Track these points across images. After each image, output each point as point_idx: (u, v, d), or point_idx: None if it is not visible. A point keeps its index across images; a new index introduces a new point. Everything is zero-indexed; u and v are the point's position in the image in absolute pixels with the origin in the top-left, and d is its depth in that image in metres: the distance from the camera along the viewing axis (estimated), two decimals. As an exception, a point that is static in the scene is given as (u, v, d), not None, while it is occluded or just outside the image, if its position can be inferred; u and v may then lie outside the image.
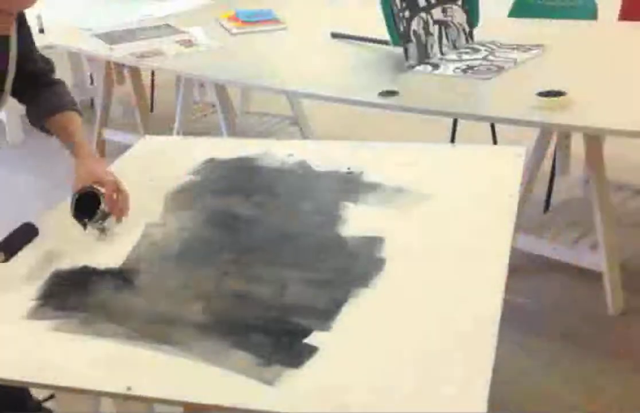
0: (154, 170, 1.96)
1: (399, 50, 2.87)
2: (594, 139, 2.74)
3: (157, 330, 1.34)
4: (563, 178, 3.49)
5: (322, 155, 1.96)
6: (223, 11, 3.88)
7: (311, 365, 1.22)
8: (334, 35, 3.40)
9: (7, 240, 1.65)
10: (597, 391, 2.44)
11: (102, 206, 1.68)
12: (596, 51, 2.94)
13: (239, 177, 1.91)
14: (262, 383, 1.19)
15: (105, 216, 1.68)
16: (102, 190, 1.69)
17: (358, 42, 3.28)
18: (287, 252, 1.56)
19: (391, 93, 2.59)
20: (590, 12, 3.46)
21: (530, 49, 2.93)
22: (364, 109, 3.00)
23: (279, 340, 1.28)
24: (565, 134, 3.40)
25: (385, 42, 3.09)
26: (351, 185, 1.81)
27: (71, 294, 1.47)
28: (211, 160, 1.99)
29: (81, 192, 1.70)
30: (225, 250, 1.58)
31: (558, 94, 2.37)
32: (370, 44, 3.21)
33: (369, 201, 1.74)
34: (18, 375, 1.30)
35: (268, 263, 1.52)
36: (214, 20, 3.83)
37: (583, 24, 3.37)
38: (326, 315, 1.33)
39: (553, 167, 3.39)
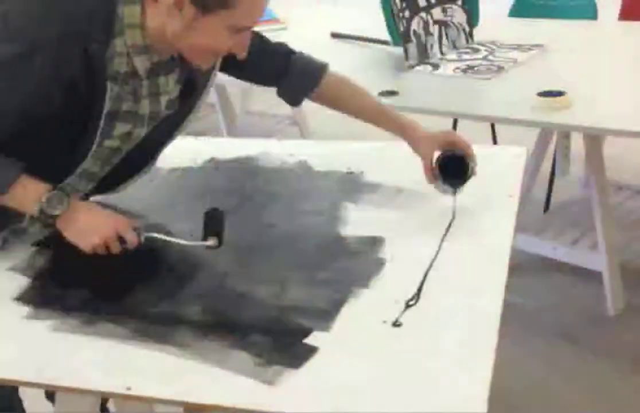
0: (154, 170, 1.95)
1: (399, 50, 2.88)
2: (594, 139, 2.74)
3: (157, 330, 1.33)
4: (563, 178, 3.50)
5: (322, 155, 1.96)
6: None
7: (311, 366, 1.22)
8: (334, 35, 3.40)
9: (210, 227, 1.52)
10: (597, 391, 2.44)
11: (472, 166, 1.63)
12: (596, 51, 2.94)
13: (239, 177, 1.91)
14: (262, 383, 1.19)
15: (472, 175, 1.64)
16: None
17: (358, 42, 3.28)
18: (287, 252, 1.55)
19: (391, 93, 2.59)
20: (590, 12, 3.46)
21: (530, 49, 2.93)
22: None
23: (279, 340, 1.28)
24: (565, 134, 3.40)
25: (385, 42, 3.09)
26: (351, 185, 1.81)
27: (71, 294, 1.47)
28: (211, 160, 1.99)
29: (445, 155, 1.65)
30: (225, 250, 1.57)
31: (558, 94, 2.37)
32: (370, 44, 3.21)
33: (369, 201, 1.73)
34: (17, 375, 1.30)
35: (268, 263, 1.52)
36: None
37: (583, 24, 3.37)
38: (326, 316, 1.33)
39: (553, 167, 3.39)
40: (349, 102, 1.82)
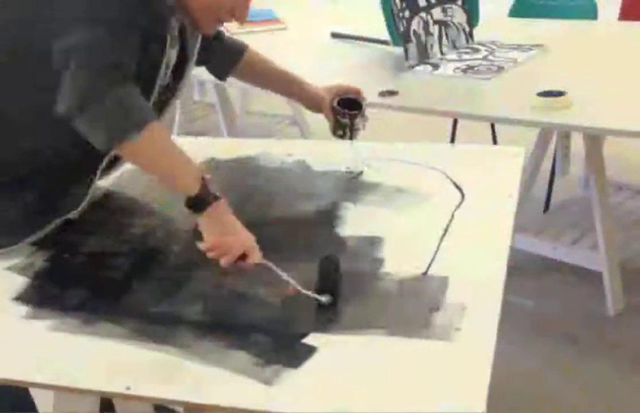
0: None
1: (399, 50, 2.88)
2: (594, 139, 2.74)
3: (157, 330, 1.33)
4: (563, 178, 3.50)
5: (322, 155, 1.96)
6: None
7: (310, 365, 1.22)
8: (334, 35, 3.40)
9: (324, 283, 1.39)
10: (597, 391, 2.44)
11: (364, 103, 1.88)
12: (596, 51, 2.94)
13: (239, 177, 1.91)
14: (261, 383, 1.19)
15: (364, 114, 1.87)
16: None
17: (358, 42, 3.28)
18: (286, 252, 1.55)
19: (391, 93, 2.59)
20: (590, 12, 3.46)
21: (530, 49, 2.93)
22: (364, 109, 3.00)
23: (278, 340, 1.28)
24: (565, 134, 3.40)
25: (385, 42, 3.09)
26: (351, 185, 1.81)
27: (70, 294, 1.47)
28: (211, 160, 1.99)
29: (342, 96, 1.89)
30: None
31: (558, 94, 2.37)
32: (370, 44, 3.21)
33: (368, 201, 1.73)
34: (17, 375, 1.29)
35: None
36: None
37: (583, 24, 3.37)
38: (325, 316, 1.33)
39: (553, 167, 3.39)
40: (264, 76, 2.00)
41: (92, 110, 1.41)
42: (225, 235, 1.45)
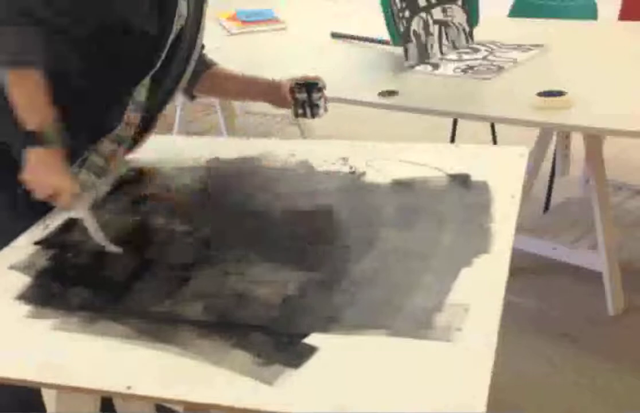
0: (156, 170, 1.95)
1: (399, 50, 2.88)
2: (594, 139, 2.74)
3: (158, 329, 1.34)
4: (563, 178, 3.50)
5: (325, 155, 1.96)
6: (223, 11, 3.88)
7: (311, 365, 1.22)
8: (334, 35, 3.40)
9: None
10: (597, 391, 2.44)
11: (321, 83, 1.95)
12: (596, 51, 2.95)
13: (242, 177, 1.91)
14: (262, 383, 1.19)
15: (322, 92, 1.96)
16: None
17: (358, 42, 3.29)
18: (288, 252, 1.56)
19: (391, 93, 2.59)
20: (590, 12, 3.46)
21: (530, 49, 2.94)
22: (364, 109, 3.00)
23: (279, 340, 1.28)
24: (565, 134, 3.40)
25: (385, 42, 3.09)
26: (353, 185, 1.81)
27: (72, 293, 1.47)
28: (214, 160, 1.99)
29: (299, 80, 1.97)
30: (227, 250, 1.58)
31: (558, 94, 2.37)
32: (370, 44, 3.21)
33: (371, 201, 1.73)
34: (18, 375, 1.29)
35: (269, 263, 1.52)
36: (213, 20, 3.82)
37: (583, 24, 3.37)
38: (326, 316, 1.33)
39: (553, 167, 3.39)
40: (231, 83, 2.06)
41: None
42: (46, 176, 1.58)
